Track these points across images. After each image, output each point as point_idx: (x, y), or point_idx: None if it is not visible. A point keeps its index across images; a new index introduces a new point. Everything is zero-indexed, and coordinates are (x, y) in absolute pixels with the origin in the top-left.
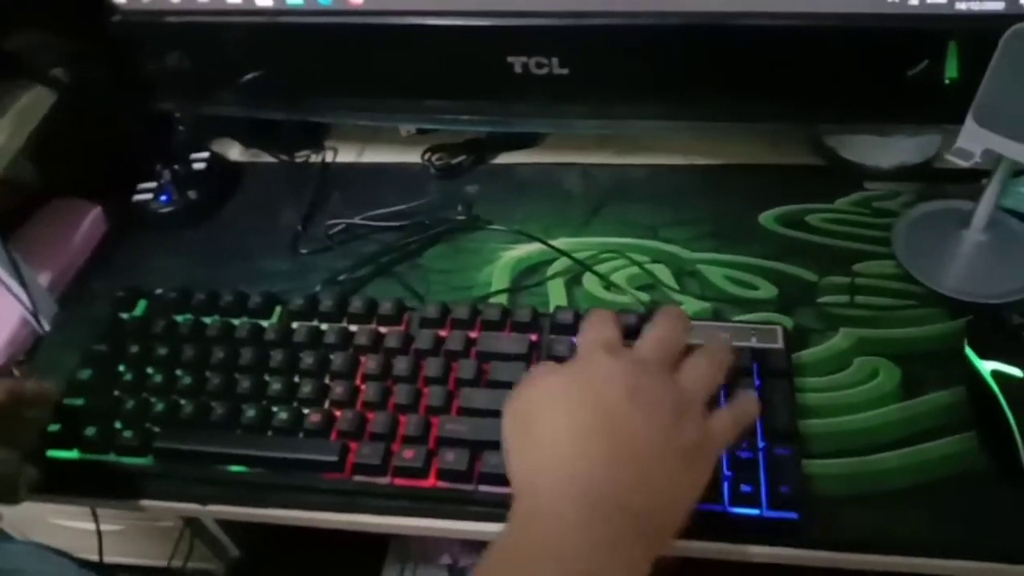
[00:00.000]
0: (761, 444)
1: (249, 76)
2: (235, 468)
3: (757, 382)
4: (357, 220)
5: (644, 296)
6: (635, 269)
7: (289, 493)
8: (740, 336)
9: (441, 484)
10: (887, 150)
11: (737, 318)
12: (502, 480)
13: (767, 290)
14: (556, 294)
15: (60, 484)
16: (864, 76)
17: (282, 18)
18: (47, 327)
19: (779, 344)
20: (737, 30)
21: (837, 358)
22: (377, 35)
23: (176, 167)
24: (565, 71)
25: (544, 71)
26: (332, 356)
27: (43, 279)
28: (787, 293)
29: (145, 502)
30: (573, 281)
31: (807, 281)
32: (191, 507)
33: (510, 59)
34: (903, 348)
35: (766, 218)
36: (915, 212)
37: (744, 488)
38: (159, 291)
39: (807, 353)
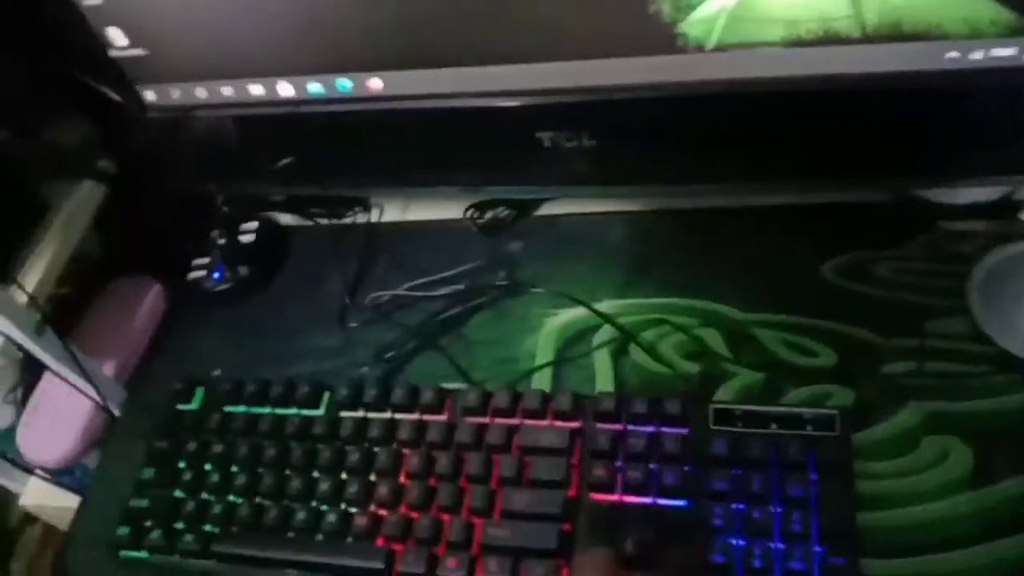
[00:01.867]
0: (816, 549)
1: (282, 163)
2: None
3: (813, 476)
4: (402, 291)
5: (693, 367)
6: (682, 335)
7: None
8: (793, 424)
9: None
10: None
11: (793, 392)
12: None
13: (827, 356)
14: (602, 367)
15: None
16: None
17: (305, 107)
18: (117, 412)
19: (837, 432)
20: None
21: (903, 438)
22: (400, 118)
23: (224, 242)
24: (595, 143)
25: (574, 144)
26: (377, 451)
27: (109, 366)
28: (848, 360)
29: None
30: (620, 351)
31: (871, 344)
32: None
33: (538, 135)
34: (976, 423)
35: (827, 269)
36: (993, 258)
37: None
38: (216, 374)
39: (869, 433)
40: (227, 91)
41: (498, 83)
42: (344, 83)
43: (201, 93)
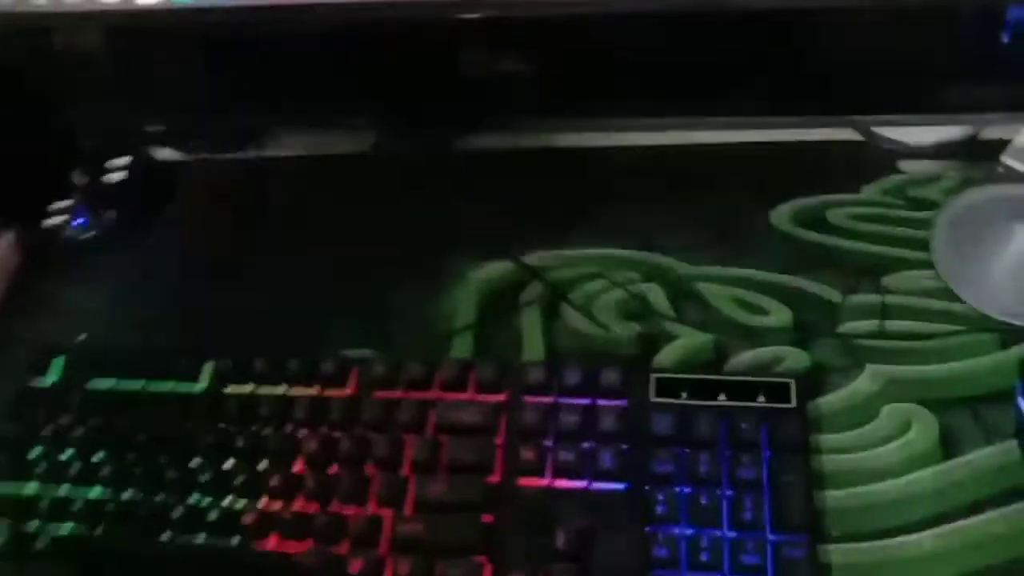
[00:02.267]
0: (771, 538)
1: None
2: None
3: (766, 454)
4: (302, 238)
5: (633, 328)
6: (621, 292)
7: None
8: (743, 394)
9: None
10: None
11: (743, 355)
12: None
13: (780, 314)
14: (531, 331)
15: None
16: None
17: (169, 20)
18: None
19: (792, 403)
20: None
21: (862, 406)
22: (289, 36)
23: (87, 181)
24: (526, 67)
25: (503, 68)
26: (267, 433)
27: None
28: (804, 318)
29: None
30: (550, 311)
31: (828, 302)
32: None
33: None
34: (940, 391)
35: (779, 216)
36: (960, 203)
37: None
38: (80, 339)
39: (826, 401)
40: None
41: None
42: None
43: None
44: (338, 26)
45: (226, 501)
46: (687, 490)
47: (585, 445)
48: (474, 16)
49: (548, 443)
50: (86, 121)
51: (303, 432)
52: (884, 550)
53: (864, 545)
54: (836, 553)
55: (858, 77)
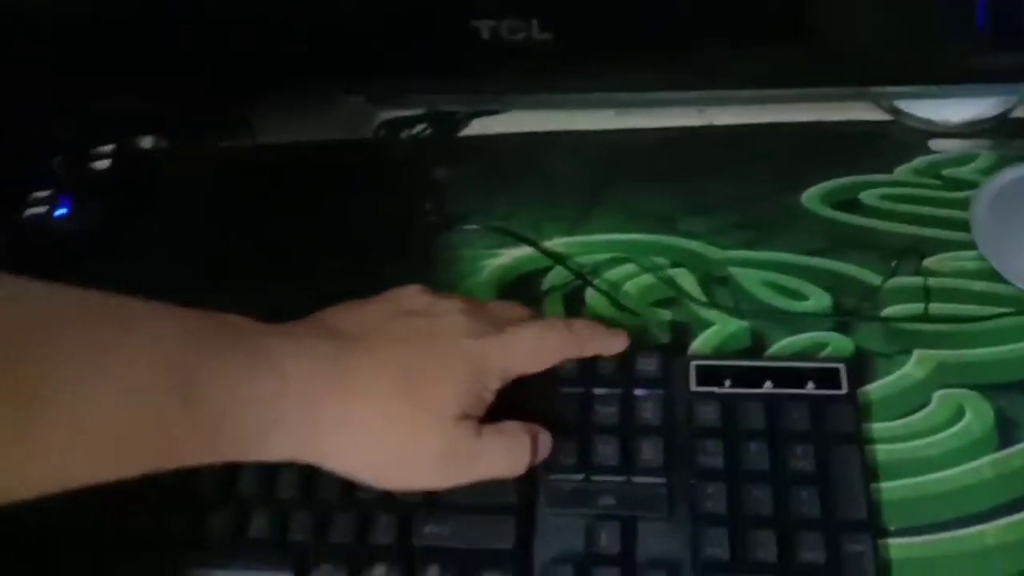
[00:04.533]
0: (828, 535)
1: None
2: None
3: (818, 445)
4: (304, 230)
5: (664, 315)
6: (650, 278)
7: None
8: (791, 381)
9: None
10: (957, 100)
11: (781, 343)
12: None
13: (818, 299)
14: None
15: None
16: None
17: None
18: None
19: (844, 388)
20: None
21: (911, 393)
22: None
23: (69, 170)
24: (548, 36)
25: (520, 36)
26: None
27: None
28: (844, 303)
29: None
30: (574, 297)
31: (867, 285)
32: None
33: (474, 24)
34: (993, 375)
35: (810, 198)
36: (998, 181)
37: None
38: None
39: (873, 388)
40: None
41: None
42: None
43: None
44: None
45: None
46: (735, 484)
47: (622, 437)
48: None
49: (582, 436)
50: (67, 107)
51: None
52: (942, 544)
53: (920, 539)
54: (892, 548)
55: (877, 44)
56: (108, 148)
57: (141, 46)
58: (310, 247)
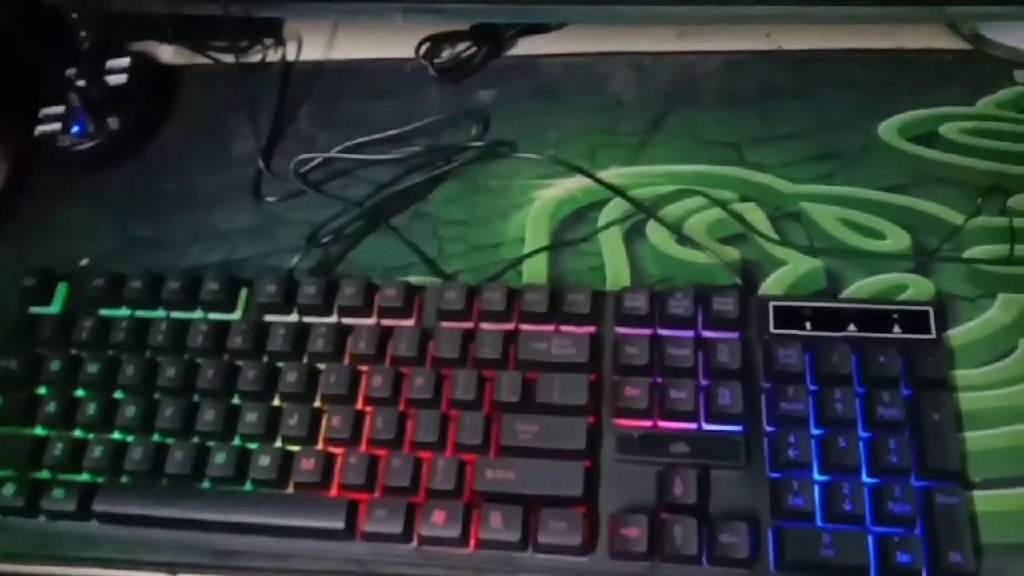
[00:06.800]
0: (917, 484)
1: None
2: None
3: (905, 392)
4: (336, 153)
5: (733, 253)
6: (717, 212)
7: (284, 560)
8: (877, 324)
9: (485, 552)
10: None
11: (860, 282)
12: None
13: (897, 238)
14: (613, 254)
15: None
16: None
17: None
18: None
19: (932, 333)
20: None
21: (997, 339)
22: None
23: (84, 84)
24: None
25: None
26: (322, 368)
27: None
28: (924, 242)
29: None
30: (635, 232)
31: (949, 224)
32: None
33: None
34: None
35: (887, 130)
36: None
37: (901, 559)
38: (83, 264)
39: (956, 333)
40: None
41: None
42: None
43: None
44: None
45: (276, 444)
46: (820, 432)
47: (696, 382)
48: None
49: (653, 380)
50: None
51: (363, 367)
52: None
53: (1009, 492)
54: (980, 500)
55: None
56: (124, 62)
57: None
58: (348, 171)
